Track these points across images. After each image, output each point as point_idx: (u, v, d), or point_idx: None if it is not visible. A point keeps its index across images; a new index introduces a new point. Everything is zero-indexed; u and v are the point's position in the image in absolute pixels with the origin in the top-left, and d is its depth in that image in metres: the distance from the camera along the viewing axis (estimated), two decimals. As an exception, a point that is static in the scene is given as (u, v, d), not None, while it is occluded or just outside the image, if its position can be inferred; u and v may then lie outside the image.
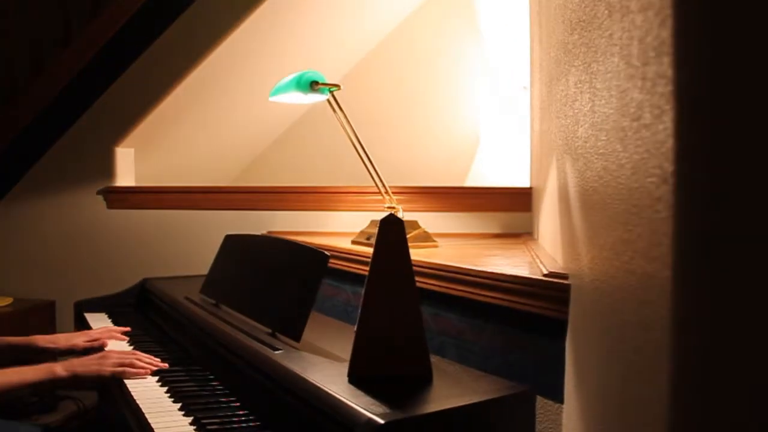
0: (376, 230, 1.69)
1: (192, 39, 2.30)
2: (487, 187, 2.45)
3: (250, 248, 1.58)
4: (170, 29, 2.32)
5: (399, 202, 1.75)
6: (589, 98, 0.87)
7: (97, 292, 2.05)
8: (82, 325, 1.89)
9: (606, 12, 0.74)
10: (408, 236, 1.09)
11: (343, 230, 2.16)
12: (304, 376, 0.99)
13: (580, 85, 0.97)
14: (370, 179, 1.68)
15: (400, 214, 1.68)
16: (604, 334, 0.74)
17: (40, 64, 2.39)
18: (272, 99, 1.62)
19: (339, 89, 1.52)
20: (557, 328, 1.07)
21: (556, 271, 1.09)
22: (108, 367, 1.31)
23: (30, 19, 2.43)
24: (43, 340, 1.58)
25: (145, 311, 1.96)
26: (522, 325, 1.14)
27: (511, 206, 2.08)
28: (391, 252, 1.00)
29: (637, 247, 0.57)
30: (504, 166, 2.98)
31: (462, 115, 3.14)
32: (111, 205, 2.41)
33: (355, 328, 1.02)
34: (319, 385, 0.95)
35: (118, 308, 2.00)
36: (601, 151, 0.78)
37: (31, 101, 2.33)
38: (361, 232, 1.73)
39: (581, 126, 0.95)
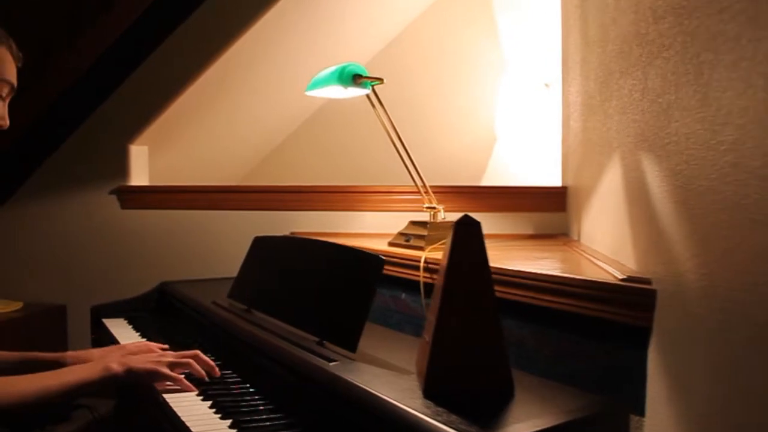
0: (415, 231, 1.63)
1: (208, 34, 2.22)
2: (519, 186, 2.38)
3: (287, 251, 1.50)
4: (186, 23, 2.23)
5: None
6: (696, 90, 0.80)
7: (110, 296, 1.95)
8: (100, 331, 1.80)
9: (739, -6, 0.67)
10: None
11: (370, 231, 2.08)
12: (375, 392, 0.91)
13: (671, 78, 0.90)
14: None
15: (441, 215, 1.61)
16: (743, 348, 0.67)
17: (49, 60, 2.29)
18: (309, 93, 1.54)
19: (382, 83, 1.45)
20: (637, 336, 1.00)
21: (635, 275, 1.03)
22: (165, 368, 1.20)
23: (37, 13, 2.33)
24: (74, 357, 1.44)
25: (165, 316, 1.87)
26: (592, 332, 1.07)
27: (545, 206, 2.02)
28: (469, 256, 0.93)
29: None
30: (523, 163, 2.92)
31: (478, 112, 3.08)
32: (125, 204, 2.32)
33: (428, 339, 0.95)
34: (394, 402, 0.87)
35: (136, 313, 1.90)
36: (724, 147, 0.71)
37: (41, 97, 2.23)
38: (399, 234, 1.65)
39: (676, 121, 0.89)
